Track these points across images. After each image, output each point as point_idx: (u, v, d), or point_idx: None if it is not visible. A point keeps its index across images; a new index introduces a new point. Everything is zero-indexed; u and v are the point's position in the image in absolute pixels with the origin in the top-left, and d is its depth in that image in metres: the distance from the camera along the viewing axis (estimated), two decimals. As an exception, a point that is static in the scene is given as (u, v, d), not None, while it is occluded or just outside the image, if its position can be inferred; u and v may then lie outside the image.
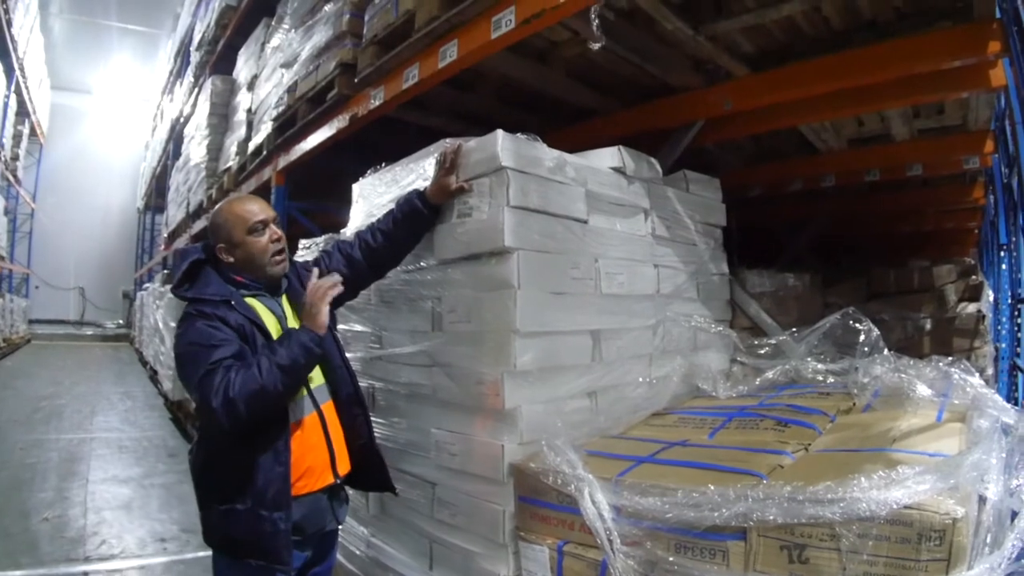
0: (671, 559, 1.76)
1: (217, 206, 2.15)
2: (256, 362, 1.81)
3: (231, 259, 2.03)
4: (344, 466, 2.14)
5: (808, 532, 1.54)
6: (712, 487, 1.69)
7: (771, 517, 1.56)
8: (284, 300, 2.15)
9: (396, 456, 2.71)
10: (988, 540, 1.49)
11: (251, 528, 1.88)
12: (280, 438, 1.91)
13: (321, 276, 2.15)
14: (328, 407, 2.11)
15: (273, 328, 2.01)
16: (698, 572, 1.71)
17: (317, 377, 2.11)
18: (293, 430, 1.96)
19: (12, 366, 13.00)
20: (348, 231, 3.05)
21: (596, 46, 2.43)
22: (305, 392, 2.04)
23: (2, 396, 9.27)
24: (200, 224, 8.21)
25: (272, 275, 2.08)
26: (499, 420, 2.28)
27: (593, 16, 2.34)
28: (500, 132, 2.28)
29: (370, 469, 2.27)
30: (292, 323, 2.09)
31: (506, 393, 2.21)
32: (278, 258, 2.07)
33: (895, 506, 1.43)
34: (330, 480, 2.08)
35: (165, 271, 11.25)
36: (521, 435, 2.24)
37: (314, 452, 2.03)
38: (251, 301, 2.02)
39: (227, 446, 1.89)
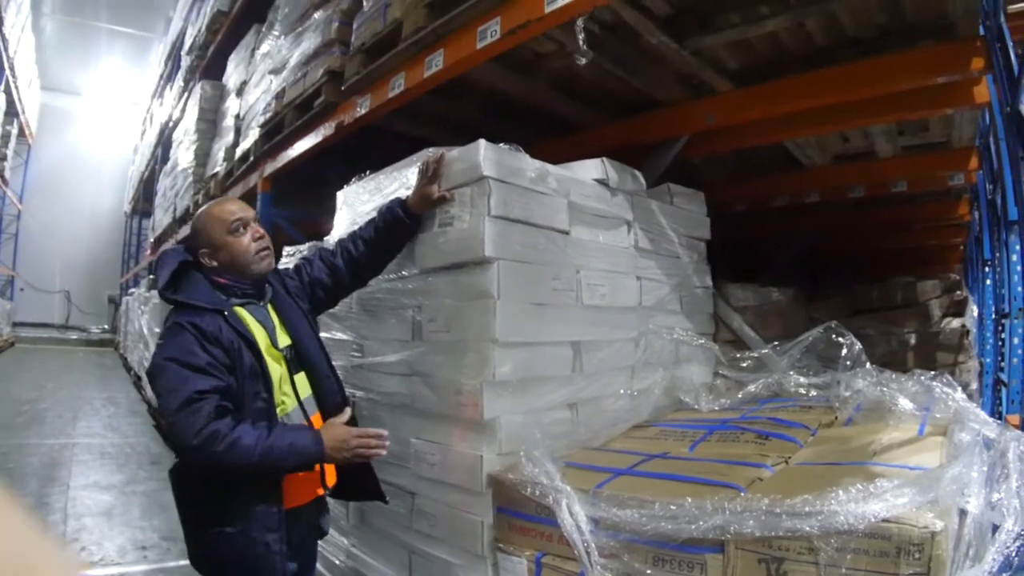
0: (649, 572, 1.76)
1: (197, 211, 2.15)
2: (258, 437, 1.75)
3: (215, 263, 2.00)
4: (331, 477, 2.12)
5: (786, 545, 1.54)
6: (690, 499, 1.69)
7: (748, 530, 1.56)
8: (271, 309, 2.11)
9: (376, 466, 2.66)
10: (969, 554, 1.50)
11: (243, 551, 1.84)
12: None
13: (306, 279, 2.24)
14: (317, 419, 2.08)
15: (263, 343, 1.97)
16: (676, 585, 1.70)
17: (305, 388, 2.09)
18: None
19: (-6, 369, 12.86)
20: (332, 239, 3.04)
21: (583, 60, 2.44)
22: (296, 404, 2.03)
23: (-17, 399, 9.17)
24: (186, 230, 8.15)
25: (258, 273, 2.05)
26: (478, 431, 2.26)
27: (579, 28, 2.35)
28: (482, 142, 2.28)
29: (359, 478, 2.22)
30: (280, 333, 2.07)
31: (485, 403, 2.20)
32: (263, 254, 2.04)
33: (873, 519, 1.43)
34: (319, 492, 2.08)
35: (151, 276, 11.16)
36: (500, 446, 2.23)
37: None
38: (241, 312, 1.98)
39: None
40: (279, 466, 1.81)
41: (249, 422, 1.80)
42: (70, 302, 22.43)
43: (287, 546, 1.92)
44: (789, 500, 1.55)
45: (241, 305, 2.01)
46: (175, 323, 1.87)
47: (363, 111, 3.51)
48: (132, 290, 13.74)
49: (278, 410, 1.97)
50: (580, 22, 2.35)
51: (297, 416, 2.02)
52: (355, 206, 2.99)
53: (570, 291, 2.55)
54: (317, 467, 2.02)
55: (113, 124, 23.02)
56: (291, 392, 2.04)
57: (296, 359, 2.09)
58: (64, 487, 5.29)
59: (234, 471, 1.77)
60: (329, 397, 2.14)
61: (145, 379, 8.89)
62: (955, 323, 4.95)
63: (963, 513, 1.53)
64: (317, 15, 4.20)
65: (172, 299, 1.93)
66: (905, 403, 2.42)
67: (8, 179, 18.42)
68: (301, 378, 2.09)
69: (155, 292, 2.21)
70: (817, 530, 1.48)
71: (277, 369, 2.00)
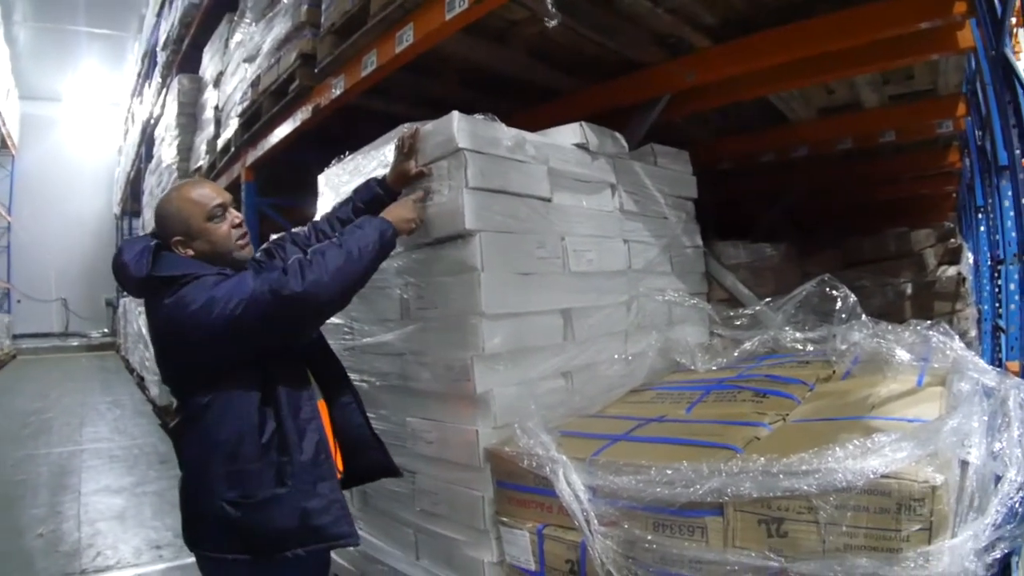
0: (649, 538, 1.74)
1: (160, 199, 1.94)
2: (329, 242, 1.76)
3: (190, 251, 1.81)
4: (339, 463, 2.01)
5: (785, 505, 1.52)
6: (686, 463, 1.67)
7: (746, 491, 1.54)
8: None
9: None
10: (973, 505, 1.48)
11: (300, 509, 1.71)
12: (310, 405, 1.83)
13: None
14: (321, 404, 1.98)
15: None
16: (677, 550, 1.69)
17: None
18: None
19: (-3, 382, 12.85)
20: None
21: (552, 23, 2.39)
22: (312, 380, 1.93)
23: (-11, 413, 9.16)
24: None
25: (239, 260, 1.88)
26: (472, 406, 2.25)
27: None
28: (455, 114, 2.24)
29: (371, 455, 2.11)
30: None
31: (476, 378, 2.19)
32: (242, 242, 1.89)
33: (872, 476, 1.41)
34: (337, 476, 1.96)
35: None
36: (495, 419, 2.23)
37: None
38: None
39: (251, 421, 1.72)
40: (367, 251, 1.82)
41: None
42: (68, 309, 22.37)
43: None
44: (786, 459, 1.53)
45: None
46: (180, 284, 1.68)
47: (338, 92, 3.47)
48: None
49: None
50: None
51: (316, 390, 1.95)
52: (337, 188, 2.96)
53: (556, 259, 2.52)
54: (333, 449, 1.94)
55: (95, 127, 22.78)
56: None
57: None
58: (75, 494, 5.28)
59: (348, 282, 1.75)
60: (331, 378, 2.06)
61: (147, 379, 8.94)
62: (951, 271, 4.94)
63: (964, 464, 1.51)
64: (286, -1, 4.14)
65: (170, 274, 1.71)
66: (903, 354, 2.38)
67: (-5, 192, 18.31)
68: None
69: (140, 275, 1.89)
70: (815, 489, 1.46)
71: None
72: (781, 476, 1.51)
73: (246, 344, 1.71)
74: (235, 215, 1.90)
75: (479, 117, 2.34)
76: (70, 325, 22.24)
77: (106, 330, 21.35)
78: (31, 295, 21.19)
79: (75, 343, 20.08)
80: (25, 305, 21.06)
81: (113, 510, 4.87)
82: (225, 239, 1.85)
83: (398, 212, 2.09)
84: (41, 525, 4.53)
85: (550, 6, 2.31)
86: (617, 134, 3.03)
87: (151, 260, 1.73)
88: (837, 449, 1.49)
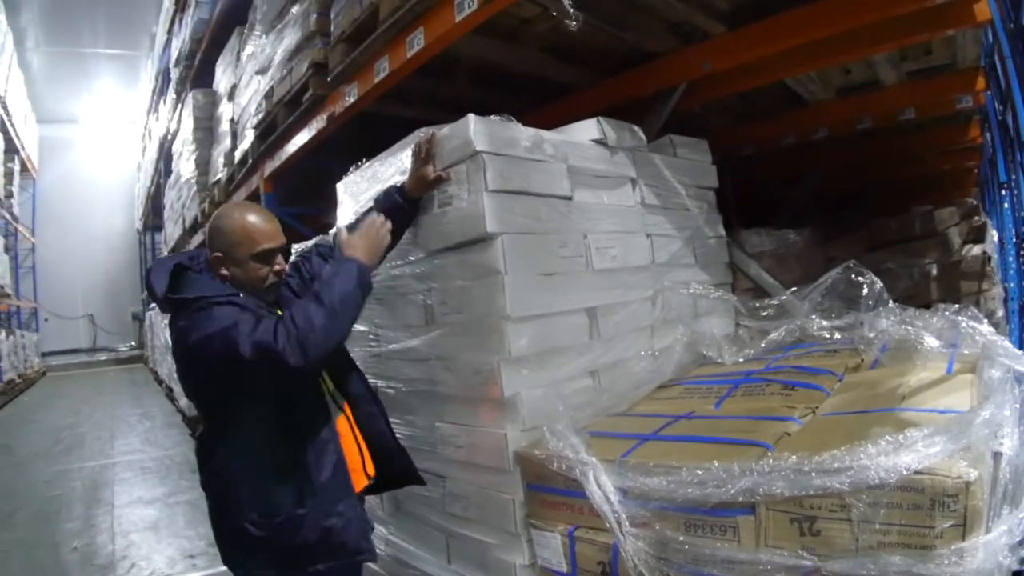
0: (682, 538, 1.73)
1: (224, 208, 1.95)
2: (309, 298, 1.70)
3: (225, 272, 1.84)
4: (371, 468, 2.04)
5: (817, 503, 1.50)
6: (716, 463, 1.66)
7: (778, 490, 1.52)
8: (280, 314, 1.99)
9: None
10: (1007, 497, 1.46)
11: (321, 528, 1.76)
12: (327, 427, 1.84)
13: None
14: (346, 411, 2.02)
15: None
16: (710, 550, 1.68)
17: (328, 381, 1.99)
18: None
19: (29, 400, 13.03)
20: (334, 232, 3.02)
21: (574, 24, 2.37)
22: (327, 394, 1.94)
23: (23, 431, 9.31)
24: (199, 239, 8.19)
25: (264, 298, 1.89)
26: (500, 409, 2.25)
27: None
28: (471, 117, 2.24)
29: (395, 463, 2.12)
30: None
31: (504, 381, 2.18)
32: (274, 282, 1.91)
33: (905, 472, 1.39)
34: (364, 482, 1.99)
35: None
36: (523, 422, 2.22)
37: (351, 454, 1.94)
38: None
39: (269, 445, 1.76)
40: (348, 301, 1.73)
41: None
42: (95, 325, 22.69)
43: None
44: (817, 457, 1.51)
45: None
46: (195, 308, 1.70)
47: (352, 99, 3.47)
48: (154, 305, 13.85)
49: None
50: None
51: (334, 403, 1.95)
52: (356, 195, 2.97)
53: (579, 257, 2.51)
54: (359, 458, 1.97)
55: (113, 145, 23.10)
56: (322, 383, 1.96)
57: None
58: (109, 506, 5.36)
59: (326, 338, 1.67)
60: (353, 387, 2.06)
61: (176, 390, 9.04)
62: (976, 250, 4.84)
63: (997, 456, 1.48)
64: (295, 9, 4.16)
65: (182, 297, 1.74)
66: (931, 341, 2.35)
67: (18, 215, 18.55)
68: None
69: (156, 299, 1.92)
70: (848, 486, 1.44)
71: None
72: (813, 474, 1.49)
73: (239, 386, 1.72)
74: (281, 263, 1.92)
75: (495, 118, 2.33)
76: (98, 340, 22.57)
77: (133, 343, 21.66)
78: (58, 313, 21.52)
79: (103, 357, 20.37)
80: (53, 323, 21.40)
81: (146, 521, 4.93)
82: (260, 279, 1.87)
83: (365, 246, 1.91)
84: (76, 539, 4.60)
85: (568, 6, 2.30)
86: (635, 127, 3.00)
87: (167, 281, 1.77)
88: (869, 446, 1.47)
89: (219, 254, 1.84)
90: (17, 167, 18.25)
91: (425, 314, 2.53)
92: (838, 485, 1.45)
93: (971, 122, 5.28)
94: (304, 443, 1.78)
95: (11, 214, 17.44)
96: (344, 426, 1.96)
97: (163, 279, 1.78)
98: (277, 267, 1.90)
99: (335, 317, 1.68)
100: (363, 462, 2.00)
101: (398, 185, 2.39)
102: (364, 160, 2.98)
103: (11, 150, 17.30)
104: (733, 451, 1.77)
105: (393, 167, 2.66)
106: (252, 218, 1.86)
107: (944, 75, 4.07)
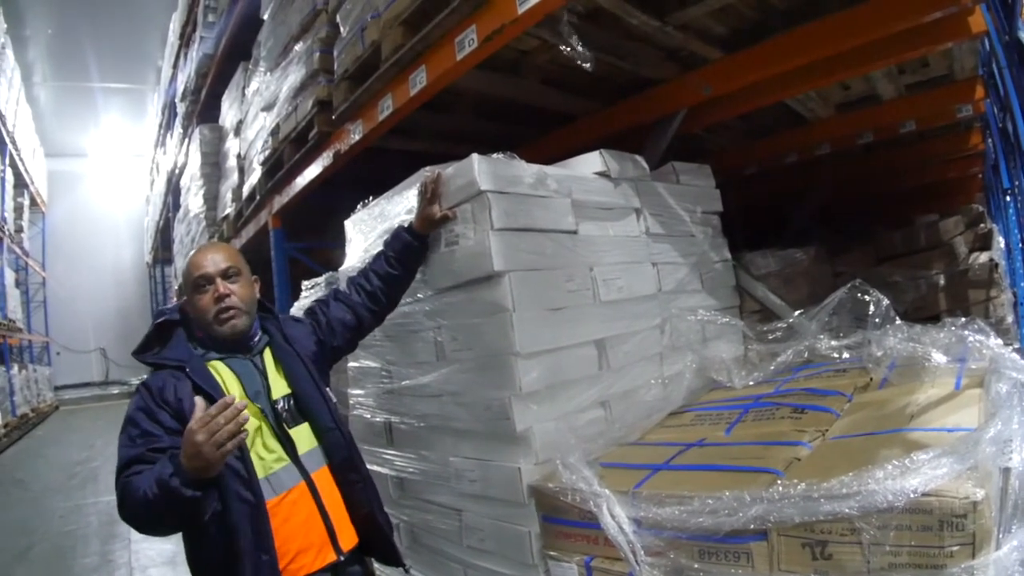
0: (696, 566, 1.76)
1: None
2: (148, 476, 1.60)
3: (190, 313, 1.91)
4: (349, 539, 1.89)
5: (828, 528, 1.52)
6: (728, 492, 1.67)
7: (788, 517, 1.55)
8: (268, 355, 1.97)
9: (421, 487, 2.74)
10: (1017, 511, 1.47)
11: None
12: (257, 520, 1.68)
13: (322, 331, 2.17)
14: (323, 474, 1.88)
15: (236, 390, 1.82)
16: (724, 576, 1.69)
17: (308, 441, 1.89)
18: (273, 509, 1.73)
19: (43, 435, 13.06)
20: (344, 270, 3.07)
21: (588, 65, 2.41)
22: (288, 461, 1.82)
23: (36, 466, 9.34)
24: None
25: (219, 336, 1.87)
26: (512, 443, 2.27)
27: (565, 21, 2.33)
28: (475, 157, 2.27)
29: (376, 541, 2.00)
30: (277, 383, 1.91)
31: (515, 416, 2.21)
32: (224, 316, 1.85)
33: (912, 495, 1.40)
34: (332, 558, 1.82)
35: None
36: (536, 456, 2.24)
37: (306, 528, 1.79)
38: (215, 365, 1.85)
39: (205, 536, 1.69)
40: (159, 508, 1.59)
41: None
42: (107, 358, 22.73)
43: None
44: (826, 483, 1.53)
45: (221, 359, 1.88)
46: (140, 383, 1.84)
47: (357, 137, 3.53)
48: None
49: (258, 469, 1.75)
50: (565, 16, 2.33)
51: (290, 475, 1.81)
52: (365, 233, 3.00)
53: (586, 290, 2.53)
54: (324, 531, 1.83)
55: (121, 179, 23.22)
56: (278, 448, 1.82)
57: (296, 411, 1.90)
58: (126, 541, 5.36)
59: (157, 520, 1.67)
60: (335, 452, 1.92)
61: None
62: (983, 257, 4.82)
63: (1006, 471, 1.50)
64: (298, 47, 4.23)
65: (140, 359, 1.91)
66: (939, 357, 2.36)
67: (28, 249, 18.67)
68: (301, 431, 1.88)
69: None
70: (857, 511, 1.46)
71: (251, 424, 1.76)
72: (822, 500, 1.51)
73: None
74: (220, 287, 1.86)
75: (499, 156, 2.37)
76: (110, 373, 22.59)
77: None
78: (70, 347, 21.60)
79: (116, 391, 20.34)
80: (65, 357, 21.45)
81: (163, 555, 4.94)
82: (204, 311, 1.87)
83: (184, 449, 1.57)
84: (93, 574, 4.62)
85: (576, 45, 2.35)
86: (637, 157, 3.03)
87: (143, 340, 1.93)
88: (877, 470, 1.48)
89: (184, 297, 1.95)
90: (27, 202, 18.37)
91: (436, 351, 2.55)
92: (847, 510, 1.47)
93: (972, 129, 5.32)
94: (235, 536, 1.66)
95: (22, 248, 17.52)
96: (303, 498, 1.82)
97: (145, 337, 1.93)
98: (217, 294, 1.85)
99: (147, 508, 1.60)
100: (332, 536, 1.84)
101: (406, 225, 2.43)
102: (371, 197, 3.02)
103: (21, 184, 17.43)
104: (744, 479, 1.79)
105: (400, 205, 2.70)
106: (193, 254, 1.95)
107: (943, 86, 4.11)
